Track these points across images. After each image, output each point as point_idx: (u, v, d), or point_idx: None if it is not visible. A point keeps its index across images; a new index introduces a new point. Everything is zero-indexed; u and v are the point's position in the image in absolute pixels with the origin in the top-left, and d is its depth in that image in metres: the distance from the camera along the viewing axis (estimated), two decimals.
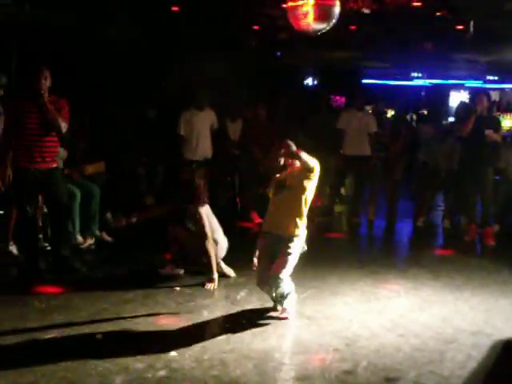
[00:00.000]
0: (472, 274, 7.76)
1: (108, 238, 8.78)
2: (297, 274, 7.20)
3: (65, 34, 9.25)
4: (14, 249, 7.70)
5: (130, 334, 5.56)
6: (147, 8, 8.44)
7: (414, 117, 15.41)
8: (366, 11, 7.58)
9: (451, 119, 14.70)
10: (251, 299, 6.58)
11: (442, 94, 23.54)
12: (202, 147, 9.95)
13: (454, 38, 10.29)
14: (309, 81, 18.49)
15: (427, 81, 23.75)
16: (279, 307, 6.00)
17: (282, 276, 5.77)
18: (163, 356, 5.02)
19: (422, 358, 5.19)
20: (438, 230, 10.72)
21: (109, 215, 9.14)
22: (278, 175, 6.15)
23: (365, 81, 21.56)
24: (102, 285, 7.00)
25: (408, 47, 12.97)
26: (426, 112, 13.83)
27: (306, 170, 5.82)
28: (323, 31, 6.83)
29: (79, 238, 8.31)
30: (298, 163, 5.97)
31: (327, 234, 9.69)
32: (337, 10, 6.55)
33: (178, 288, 6.73)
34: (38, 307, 6.27)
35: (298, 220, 5.91)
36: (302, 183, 5.86)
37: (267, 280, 5.88)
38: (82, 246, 8.36)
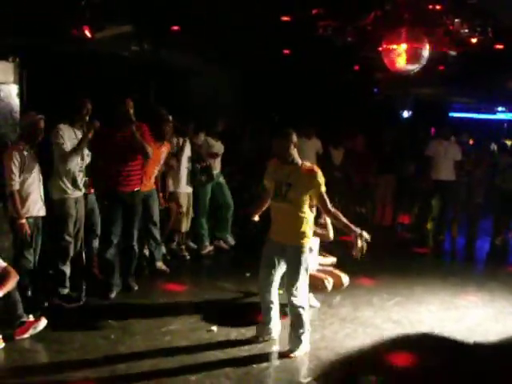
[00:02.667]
0: None
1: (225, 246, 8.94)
2: (387, 283, 7.16)
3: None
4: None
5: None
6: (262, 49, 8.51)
7: (496, 147, 14.89)
8: (453, 53, 7.44)
9: None
10: (345, 303, 6.52)
11: None
12: None
13: None
14: (405, 114, 18.19)
15: (509, 114, 23.05)
16: (293, 354, 5.03)
17: (300, 303, 5.03)
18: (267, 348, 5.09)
19: None
20: None
21: None
22: None
23: (452, 114, 21.10)
24: (217, 286, 7.12)
25: (492, 84, 12.65)
26: (507, 142, 13.32)
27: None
28: (415, 71, 6.73)
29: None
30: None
31: (415, 248, 9.46)
32: (426, 52, 6.45)
33: (281, 291, 6.70)
34: (165, 301, 6.44)
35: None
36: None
37: (266, 289, 5.26)
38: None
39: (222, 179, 8.77)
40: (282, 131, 5.08)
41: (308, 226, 5.05)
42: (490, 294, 7.12)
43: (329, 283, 6.08)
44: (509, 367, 5.04)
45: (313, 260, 6.09)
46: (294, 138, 5.07)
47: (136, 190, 6.61)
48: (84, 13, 6.43)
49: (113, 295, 6.49)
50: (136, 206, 6.66)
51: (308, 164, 5.08)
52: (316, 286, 5.99)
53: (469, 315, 6.32)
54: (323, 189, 4.97)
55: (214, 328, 5.59)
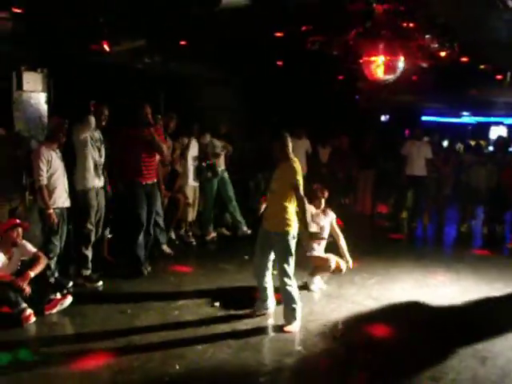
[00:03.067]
0: (504, 271, 7.41)
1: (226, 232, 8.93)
2: (367, 264, 7.18)
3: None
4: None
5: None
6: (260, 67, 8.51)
7: (461, 147, 14.89)
8: (424, 65, 7.44)
9: (491, 149, 14.19)
10: (330, 282, 6.53)
11: (484, 128, 22.87)
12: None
13: (494, 85, 9.95)
14: (382, 117, 18.20)
15: (473, 118, 23.06)
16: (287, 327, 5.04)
17: (289, 283, 5.02)
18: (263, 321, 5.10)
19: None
20: (477, 235, 10.32)
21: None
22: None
23: (424, 118, 21.08)
24: (219, 267, 7.12)
25: (458, 92, 12.65)
26: (471, 143, 13.32)
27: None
28: (391, 80, 6.74)
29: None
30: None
31: (391, 234, 9.47)
32: (401, 64, 6.44)
33: (274, 272, 6.70)
34: (173, 281, 6.44)
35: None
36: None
37: (261, 273, 5.27)
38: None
39: (226, 175, 8.70)
40: (276, 135, 5.11)
41: (291, 215, 5.00)
42: (456, 274, 7.14)
43: (332, 263, 6.05)
44: (469, 334, 5.07)
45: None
46: (286, 139, 5.06)
47: (155, 181, 6.72)
48: (103, 29, 6.42)
49: (146, 272, 6.56)
50: (155, 196, 6.73)
51: (295, 160, 5.07)
52: (321, 266, 6.05)
53: (438, 292, 6.33)
54: (297, 180, 4.93)
55: (217, 304, 5.61)
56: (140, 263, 6.57)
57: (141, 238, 6.55)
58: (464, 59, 7.57)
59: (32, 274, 5.11)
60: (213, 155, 8.38)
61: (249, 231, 8.51)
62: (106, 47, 6.61)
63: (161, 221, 7.38)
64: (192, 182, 8.19)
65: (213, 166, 8.38)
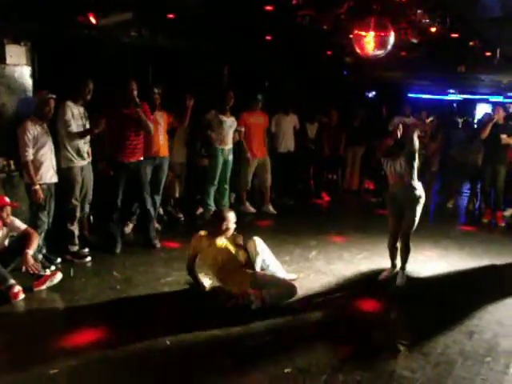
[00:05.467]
0: (490, 246, 7.50)
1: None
2: (355, 240, 7.23)
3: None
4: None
5: None
6: (247, 36, 8.37)
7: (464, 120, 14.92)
8: (414, 40, 7.38)
9: (476, 126, 14.25)
10: (319, 257, 6.56)
11: (469, 106, 22.97)
12: (287, 142, 9.84)
13: (483, 62, 9.92)
14: (370, 94, 18.14)
15: (459, 95, 23.12)
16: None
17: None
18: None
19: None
20: (463, 211, 10.41)
21: None
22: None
23: (411, 94, 21.07)
24: None
25: (446, 69, 12.61)
26: (458, 119, 13.34)
27: None
28: (381, 56, 6.70)
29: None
30: None
31: (378, 211, 9.50)
32: (391, 39, 6.40)
33: None
34: (163, 257, 6.43)
35: None
36: None
37: None
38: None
39: (230, 157, 8.36)
40: None
41: None
42: (444, 249, 7.21)
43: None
44: (457, 309, 5.13)
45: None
46: None
47: (141, 159, 6.60)
48: (89, 0, 6.29)
49: (118, 250, 6.51)
50: (141, 174, 6.62)
51: None
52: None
53: (426, 268, 6.39)
54: None
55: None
56: (114, 241, 6.54)
57: (115, 216, 6.54)
58: (454, 35, 7.51)
59: (30, 252, 5.08)
60: (214, 132, 8.15)
61: None
62: (93, 19, 6.46)
63: (158, 200, 7.36)
64: (177, 158, 8.08)
65: (207, 143, 8.24)
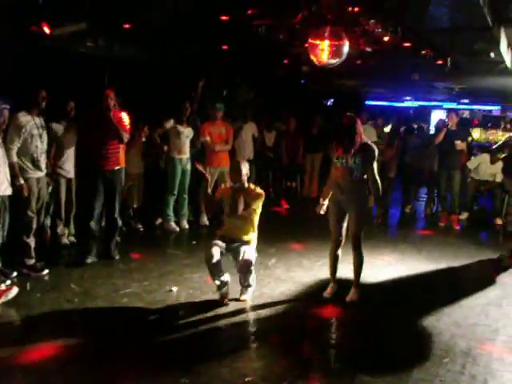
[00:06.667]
0: (446, 249, 7.68)
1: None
2: (314, 247, 7.26)
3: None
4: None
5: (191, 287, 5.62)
6: (204, 46, 8.40)
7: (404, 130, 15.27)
8: (369, 49, 7.54)
9: (432, 132, 14.58)
10: (279, 265, 6.59)
11: (425, 112, 23.46)
12: (246, 150, 9.87)
13: (435, 70, 10.19)
14: (328, 102, 18.36)
15: (415, 102, 23.60)
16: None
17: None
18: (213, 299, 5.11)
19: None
20: (420, 216, 10.62)
21: None
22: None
23: (368, 102, 21.41)
24: (168, 253, 7.08)
25: (400, 77, 12.88)
26: (414, 126, 13.63)
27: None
28: (336, 64, 6.80)
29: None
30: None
31: None
32: (346, 48, 6.50)
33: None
34: (122, 268, 6.35)
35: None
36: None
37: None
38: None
39: (189, 167, 8.27)
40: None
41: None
42: (401, 254, 7.34)
43: None
44: (415, 312, 5.23)
45: None
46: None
47: (116, 168, 6.54)
48: (42, 10, 6.21)
49: (89, 261, 6.43)
50: (116, 183, 6.56)
51: None
52: None
53: (385, 272, 6.49)
54: None
55: (174, 288, 5.58)
56: (88, 251, 6.48)
57: (92, 225, 6.48)
58: (406, 44, 7.70)
59: None
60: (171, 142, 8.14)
61: (177, 229, 8.25)
62: (46, 29, 6.38)
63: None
64: (134, 169, 8.01)
65: (158, 153, 8.20)
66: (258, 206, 5.38)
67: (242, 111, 9.97)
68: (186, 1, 6.28)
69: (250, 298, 5.35)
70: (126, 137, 6.51)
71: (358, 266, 5.51)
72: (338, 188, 5.41)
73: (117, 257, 6.67)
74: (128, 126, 6.59)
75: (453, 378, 3.98)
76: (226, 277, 5.29)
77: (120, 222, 7.32)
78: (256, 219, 5.44)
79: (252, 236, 5.45)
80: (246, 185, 5.36)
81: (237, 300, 5.29)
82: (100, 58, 7.91)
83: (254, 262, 5.30)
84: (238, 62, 9.90)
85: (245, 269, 5.22)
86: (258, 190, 5.39)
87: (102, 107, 6.27)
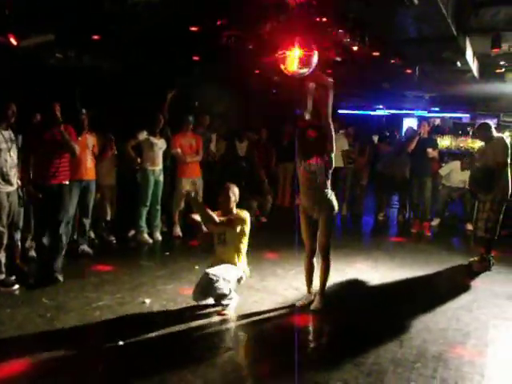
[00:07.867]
0: (418, 256, 7.78)
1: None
2: (288, 256, 7.27)
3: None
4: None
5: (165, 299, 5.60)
6: (175, 57, 8.42)
7: (376, 138, 15.43)
8: (338, 59, 7.64)
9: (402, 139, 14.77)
10: (252, 274, 6.55)
11: (397, 120, 23.72)
12: None
13: (404, 79, 10.36)
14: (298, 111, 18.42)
15: (386, 111, 23.85)
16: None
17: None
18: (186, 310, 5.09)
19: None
20: (393, 223, 10.74)
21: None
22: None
23: (340, 111, 21.57)
24: (141, 265, 7.05)
25: (371, 86, 13.04)
26: (386, 133, 13.80)
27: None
28: (305, 74, 6.85)
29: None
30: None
31: None
32: (315, 58, 6.55)
33: (197, 267, 6.67)
34: (94, 281, 6.30)
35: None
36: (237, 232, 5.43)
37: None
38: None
39: (161, 178, 8.31)
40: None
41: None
42: (374, 261, 7.40)
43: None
44: (387, 318, 5.29)
45: None
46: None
47: (64, 183, 6.35)
48: (9, 21, 6.15)
49: (61, 278, 6.20)
50: (63, 198, 6.36)
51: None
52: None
53: (358, 280, 6.55)
54: None
55: (147, 300, 5.55)
56: (54, 268, 6.20)
57: (47, 242, 6.24)
58: (375, 53, 7.82)
59: None
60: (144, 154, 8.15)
61: (150, 240, 8.23)
62: (13, 41, 6.33)
63: (87, 224, 7.37)
64: (106, 180, 7.98)
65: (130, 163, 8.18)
66: (243, 230, 5.45)
67: (212, 122, 9.99)
68: (155, 13, 6.31)
69: (226, 311, 5.32)
70: (77, 149, 6.37)
71: (325, 274, 5.61)
72: (304, 195, 5.50)
73: (61, 279, 6.20)
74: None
75: (424, 382, 4.02)
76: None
77: (89, 235, 7.31)
78: (242, 246, 5.54)
79: (238, 261, 5.54)
80: (234, 211, 5.50)
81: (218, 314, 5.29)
82: (69, 69, 7.85)
83: (227, 279, 5.31)
84: (210, 72, 9.93)
85: (203, 281, 5.24)
86: (243, 214, 5.47)
87: (52, 119, 6.16)
